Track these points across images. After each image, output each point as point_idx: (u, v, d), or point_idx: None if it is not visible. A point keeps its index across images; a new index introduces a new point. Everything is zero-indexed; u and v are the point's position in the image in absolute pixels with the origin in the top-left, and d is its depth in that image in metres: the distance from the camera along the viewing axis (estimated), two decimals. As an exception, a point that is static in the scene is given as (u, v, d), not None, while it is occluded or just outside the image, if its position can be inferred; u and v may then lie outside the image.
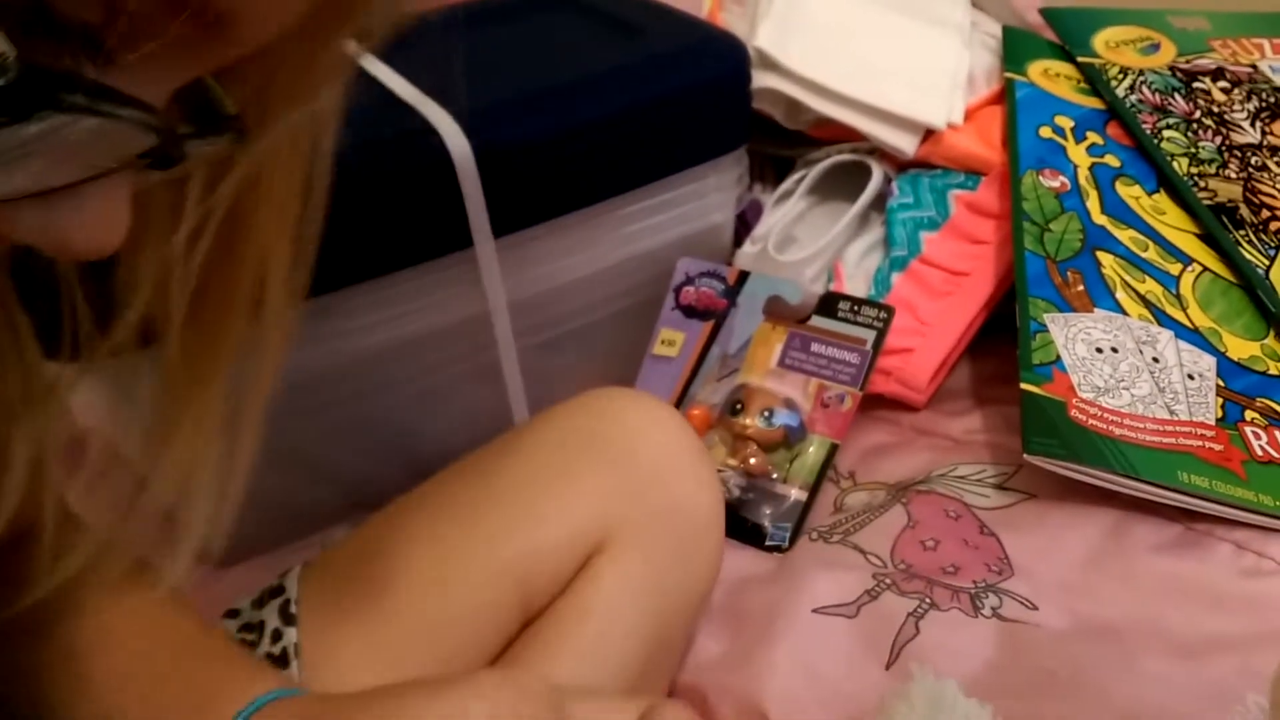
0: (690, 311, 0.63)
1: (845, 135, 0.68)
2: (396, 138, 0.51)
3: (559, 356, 0.62)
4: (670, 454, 0.44)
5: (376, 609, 0.40)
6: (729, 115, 0.61)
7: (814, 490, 0.56)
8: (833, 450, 0.57)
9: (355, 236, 0.51)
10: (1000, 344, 0.59)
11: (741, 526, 0.55)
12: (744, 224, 0.69)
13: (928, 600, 0.47)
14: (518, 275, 0.57)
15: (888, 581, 0.48)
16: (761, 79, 0.65)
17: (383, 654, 0.39)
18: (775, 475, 0.57)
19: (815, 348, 0.60)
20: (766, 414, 0.58)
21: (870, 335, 0.59)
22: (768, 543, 0.55)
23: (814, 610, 0.47)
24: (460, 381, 0.58)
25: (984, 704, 0.40)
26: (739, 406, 0.59)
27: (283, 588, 0.41)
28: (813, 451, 0.57)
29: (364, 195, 0.50)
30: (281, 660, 0.38)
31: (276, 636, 0.39)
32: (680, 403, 0.61)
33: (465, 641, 0.40)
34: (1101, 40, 0.72)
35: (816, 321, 0.60)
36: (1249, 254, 0.58)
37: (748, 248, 0.66)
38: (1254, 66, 0.72)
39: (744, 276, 0.63)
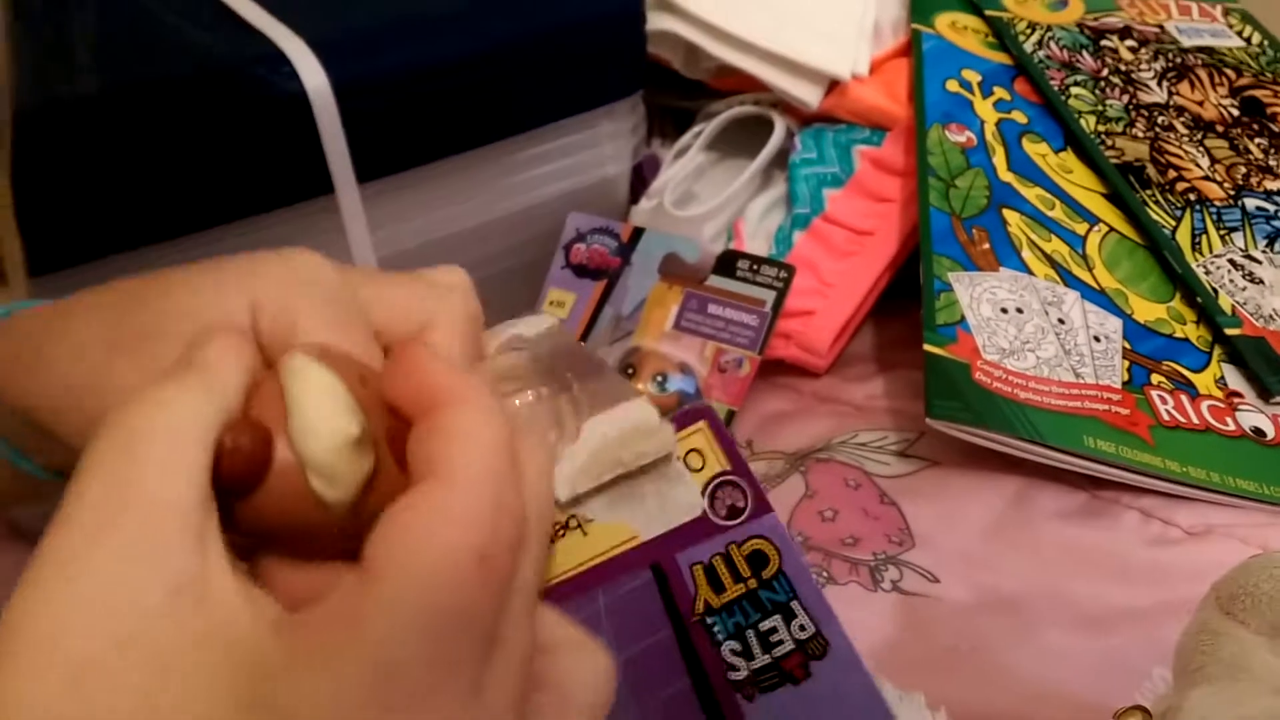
0: (581, 270, 0.59)
1: (747, 86, 0.64)
2: (241, 66, 0.45)
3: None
4: None
5: None
6: (622, 56, 0.56)
7: (709, 460, 0.53)
8: (729, 418, 0.54)
9: (195, 179, 0.45)
10: (905, 307, 0.56)
11: (632, 499, 0.51)
12: (640, 179, 0.65)
13: (825, 574, 0.44)
14: (388, 228, 0.52)
15: (784, 555, 0.45)
16: (658, 20, 0.60)
17: None
18: (669, 444, 0.53)
19: (713, 309, 0.56)
20: (660, 379, 0.55)
21: (770, 296, 0.55)
22: (659, 516, 0.51)
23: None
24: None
25: (881, 681, 0.37)
26: (631, 371, 0.55)
27: None
28: (709, 419, 0.54)
29: (205, 131, 0.44)
30: None
31: None
32: (570, 368, 0.57)
33: None
34: (1010, -5, 0.70)
35: (714, 281, 0.57)
36: (1155, 214, 0.57)
37: (643, 203, 0.62)
38: (1160, 27, 0.71)
39: (639, 234, 0.59)
